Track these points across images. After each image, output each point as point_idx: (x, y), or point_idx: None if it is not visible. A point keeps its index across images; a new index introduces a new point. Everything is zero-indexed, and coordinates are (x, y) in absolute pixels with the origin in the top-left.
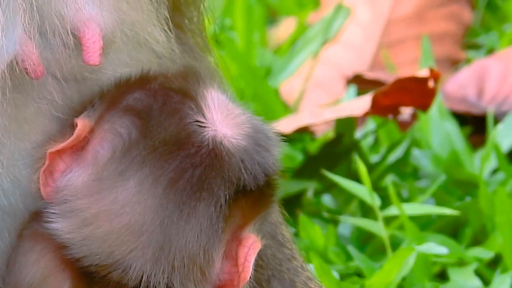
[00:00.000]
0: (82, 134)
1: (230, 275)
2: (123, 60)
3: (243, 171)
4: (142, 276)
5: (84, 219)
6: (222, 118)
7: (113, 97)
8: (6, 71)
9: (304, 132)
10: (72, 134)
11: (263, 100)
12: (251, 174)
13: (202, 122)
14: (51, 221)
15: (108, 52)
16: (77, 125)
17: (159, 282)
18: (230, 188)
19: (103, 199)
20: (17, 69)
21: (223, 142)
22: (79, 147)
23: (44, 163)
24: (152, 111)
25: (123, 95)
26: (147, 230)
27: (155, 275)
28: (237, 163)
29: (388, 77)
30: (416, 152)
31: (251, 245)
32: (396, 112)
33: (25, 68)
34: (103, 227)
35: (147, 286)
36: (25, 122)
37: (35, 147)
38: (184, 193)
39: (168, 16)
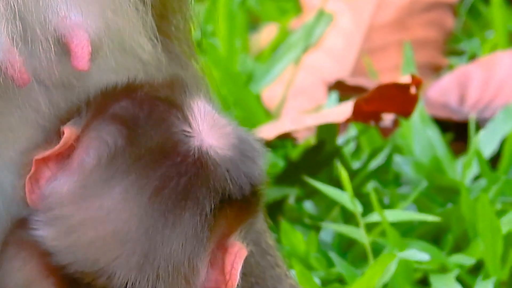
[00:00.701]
0: (69, 141)
1: (216, 284)
2: (110, 66)
3: (228, 181)
4: (126, 284)
5: (69, 227)
6: (208, 129)
7: (100, 105)
8: None
9: (285, 139)
10: (59, 141)
11: (245, 106)
12: (236, 184)
13: (188, 132)
14: (36, 228)
15: (95, 58)
16: (63, 133)
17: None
18: (216, 198)
19: (88, 206)
20: (1, 77)
21: (209, 152)
22: (65, 155)
23: (30, 170)
24: (139, 120)
25: (110, 103)
26: (132, 238)
27: (139, 283)
28: (223, 173)
29: (370, 83)
30: (397, 159)
31: (237, 253)
32: (378, 119)
33: (10, 76)
34: (88, 235)
35: None
36: (9, 130)
37: (19, 155)
38: (169, 201)
39: (155, 25)
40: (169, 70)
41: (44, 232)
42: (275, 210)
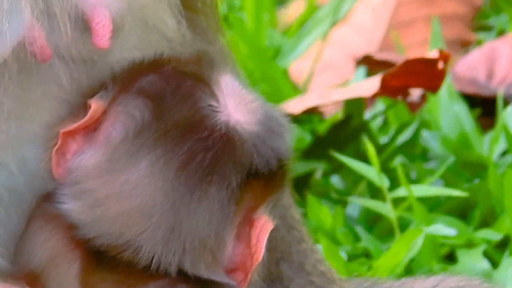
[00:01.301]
0: (95, 115)
1: (243, 258)
2: (132, 43)
3: (255, 155)
4: (153, 257)
5: (95, 200)
6: (235, 104)
7: (126, 80)
8: (12, 55)
9: (313, 113)
10: (85, 115)
11: (272, 81)
12: (263, 158)
13: (215, 107)
14: (62, 202)
15: (117, 35)
16: (90, 106)
17: (170, 263)
18: (242, 172)
19: (114, 180)
20: (24, 52)
21: (236, 127)
22: (92, 128)
23: (56, 144)
24: (165, 94)
25: (137, 77)
26: (157, 212)
27: (165, 256)
28: (250, 147)
29: (397, 58)
30: (425, 134)
31: (263, 226)
32: (405, 94)
33: (32, 51)
34: (114, 209)
35: (158, 266)
36: (32, 105)
37: (42, 129)
38: (195, 176)
39: (180, 0)
40: (194, 46)
41: (70, 206)
42: (302, 184)
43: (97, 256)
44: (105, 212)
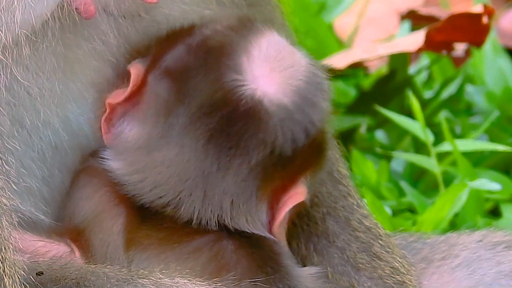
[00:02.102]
0: (137, 82)
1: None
2: None
3: (279, 133)
4: (193, 214)
5: (136, 168)
6: (267, 73)
7: (159, 51)
8: (57, 11)
9: (357, 68)
10: (128, 81)
11: (317, 35)
12: (288, 136)
13: (239, 81)
14: (107, 159)
15: None
16: (130, 73)
17: (210, 218)
18: (265, 149)
19: (151, 154)
20: (68, 9)
21: (262, 101)
22: (134, 96)
23: (105, 112)
24: (191, 72)
25: (167, 50)
26: (191, 177)
27: (204, 212)
28: (274, 124)
29: (442, 13)
30: (469, 88)
31: (294, 195)
32: (449, 48)
33: (76, 8)
34: (152, 177)
35: (200, 222)
36: (77, 62)
37: (86, 88)
38: (220, 149)
39: None
40: (239, 3)
41: (114, 164)
42: (347, 139)
43: (141, 213)
44: (145, 178)
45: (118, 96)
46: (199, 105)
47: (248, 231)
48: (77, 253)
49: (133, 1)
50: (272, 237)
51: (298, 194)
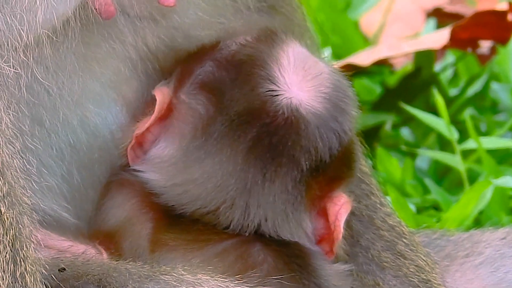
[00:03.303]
0: (163, 106)
1: (326, 231)
2: (196, 2)
3: (318, 140)
4: (232, 222)
5: (173, 183)
6: (298, 81)
7: (187, 69)
8: (78, 11)
9: (383, 65)
10: (154, 107)
11: (343, 32)
12: (326, 143)
13: (275, 90)
14: (142, 172)
15: None
16: (155, 97)
17: (248, 226)
18: (309, 155)
19: (189, 168)
20: (87, 9)
21: (299, 109)
22: (164, 117)
23: (131, 142)
24: (225, 85)
25: (196, 67)
26: (232, 188)
27: (244, 221)
28: (313, 131)
29: (467, 10)
30: (495, 86)
31: (342, 205)
32: (475, 46)
33: (96, 9)
34: (192, 190)
35: (238, 229)
36: (96, 62)
37: (105, 88)
38: (263, 159)
39: None
40: (258, 6)
41: (150, 176)
42: (372, 136)
43: (171, 218)
44: (184, 192)
45: (144, 124)
46: (238, 114)
47: (287, 240)
48: (105, 255)
49: (150, 4)
50: (317, 249)
51: (346, 203)
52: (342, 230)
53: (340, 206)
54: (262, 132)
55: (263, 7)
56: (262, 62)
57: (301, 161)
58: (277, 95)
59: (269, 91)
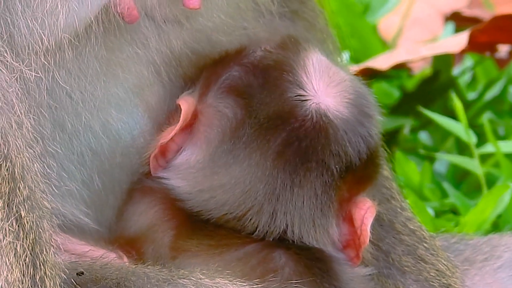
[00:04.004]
0: (188, 115)
1: (352, 236)
2: (220, 5)
3: (347, 144)
4: (257, 227)
5: (200, 189)
6: (325, 87)
7: (212, 75)
8: (99, 16)
9: (401, 69)
10: (178, 116)
11: (361, 36)
12: (355, 147)
13: (303, 95)
14: (167, 179)
15: None
16: (180, 107)
17: (273, 232)
18: (339, 160)
19: (216, 174)
20: (111, 13)
21: (327, 114)
22: (188, 126)
23: (154, 151)
24: (253, 89)
25: (222, 72)
26: (260, 194)
27: (269, 227)
28: (342, 136)
29: (485, 14)
30: None
31: (368, 209)
32: (493, 50)
33: (119, 13)
34: (219, 196)
35: (263, 234)
36: (119, 66)
37: (127, 93)
38: (292, 164)
39: None
40: (281, 10)
41: (176, 183)
42: (390, 140)
43: (193, 224)
44: (211, 197)
45: (169, 133)
46: (268, 118)
47: (312, 245)
48: (125, 259)
49: (174, 7)
50: (342, 255)
51: (371, 208)
52: (368, 234)
53: (366, 210)
54: (291, 137)
55: (285, 12)
56: (290, 67)
57: (331, 165)
58: (305, 100)
59: (298, 95)
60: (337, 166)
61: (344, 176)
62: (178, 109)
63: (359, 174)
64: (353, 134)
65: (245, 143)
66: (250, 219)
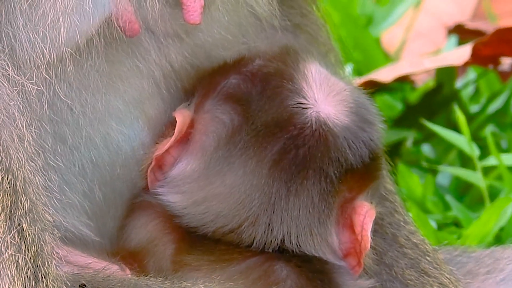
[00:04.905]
0: (184, 127)
1: (352, 244)
2: (221, 21)
3: (348, 150)
4: (254, 239)
5: (195, 200)
6: (324, 96)
7: (211, 83)
8: (100, 29)
9: (404, 81)
10: (174, 128)
11: (364, 49)
12: (356, 153)
13: (303, 103)
14: (162, 194)
15: (207, 12)
16: (175, 120)
17: (271, 243)
18: (337, 165)
19: (211, 183)
20: (112, 27)
21: (327, 122)
22: (184, 138)
23: (150, 163)
24: (251, 96)
25: (221, 80)
26: (256, 204)
27: (267, 238)
28: (342, 142)
29: (489, 27)
30: None
31: (366, 213)
32: (496, 62)
33: (120, 27)
34: (215, 207)
35: (261, 246)
36: (120, 79)
37: (127, 106)
38: (289, 171)
39: None
40: (286, 22)
41: (171, 199)
42: (393, 153)
43: (193, 239)
44: (206, 209)
45: (164, 146)
46: (265, 125)
47: (310, 255)
48: (128, 272)
49: (175, 22)
50: (343, 264)
51: (370, 211)
52: (369, 239)
53: (364, 215)
54: (289, 144)
55: (287, 26)
56: (290, 76)
57: (330, 172)
58: (306, 108)
59: (298, 103)
60: (336, 172)
61: (344, 178)
62: (174, 121)
63: (360, 173)
64: (354, 139)
65: (241, 149)
66: (247, 231)
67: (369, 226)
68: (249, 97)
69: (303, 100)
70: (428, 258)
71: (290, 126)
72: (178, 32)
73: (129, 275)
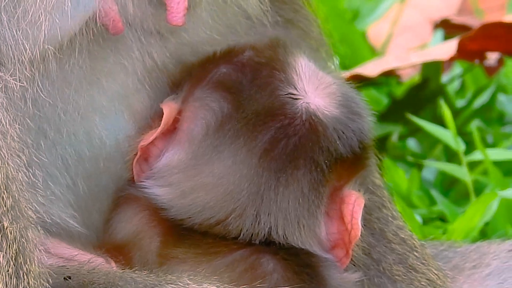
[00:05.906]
0: (170, 118)
1: (340, 235)
2: (207, 21)
3: (338, 140)
4: (241, 231)
5: (182, 191)
6: (314, 89)
7: (200, 73)
8: (85, 26)
9: (390, 76)
10: (160, 120)
11: (350, 43)
12: (346, 142)
13: (294, 94)
14: (148, 187)
15: (192, 12)
16: (162, 112)
17: (258, 235)
18: (327, 156)
19: (199, 173)
20: (96, 24)
21: (316, 113)
22: (170, 130)
23: (136, 154)
24: (242, 85)
25: (210, 70)
26: (244, 195)
27: (254, 229)
28: (331, 132)
29: (475, 22)
30: (502, 98)
31: (355, 202)
32: (482, 57)
33: (105, 24)
34: (202, 198)
35: (248, 238)
36: (103, 75)
37: (111, 102)
38: (279, 162)
39: None
40: (274, 20)
41: (157, 192)
42: (378, 147)
43: (180, 232)
44: (193, 201)
45: (150, 137)
46: (256, 113)
47: (298, 248)
48: (113, 264)
49: (158, 22)
50: (330, 256)
51: (358, 199)
52: (360, 227)
53: (353, 204)
54: (279, 134)
55: (279, 21)
56: (281, 66)
57: (320, 161)
58: (296, 99)
59: (289, 93)
60: (326, 161)
61: (334, 167)
62: (160, 113)
63: (349, 162)
64: (344, 129)
65: (230, 138)
66: (234, 223)
67: (359, 215)
68: (239, 85)
69: (293, 91)
70: (416, 254)
71: (281, 115)
72: (162, 32)
73: (115, 268)
